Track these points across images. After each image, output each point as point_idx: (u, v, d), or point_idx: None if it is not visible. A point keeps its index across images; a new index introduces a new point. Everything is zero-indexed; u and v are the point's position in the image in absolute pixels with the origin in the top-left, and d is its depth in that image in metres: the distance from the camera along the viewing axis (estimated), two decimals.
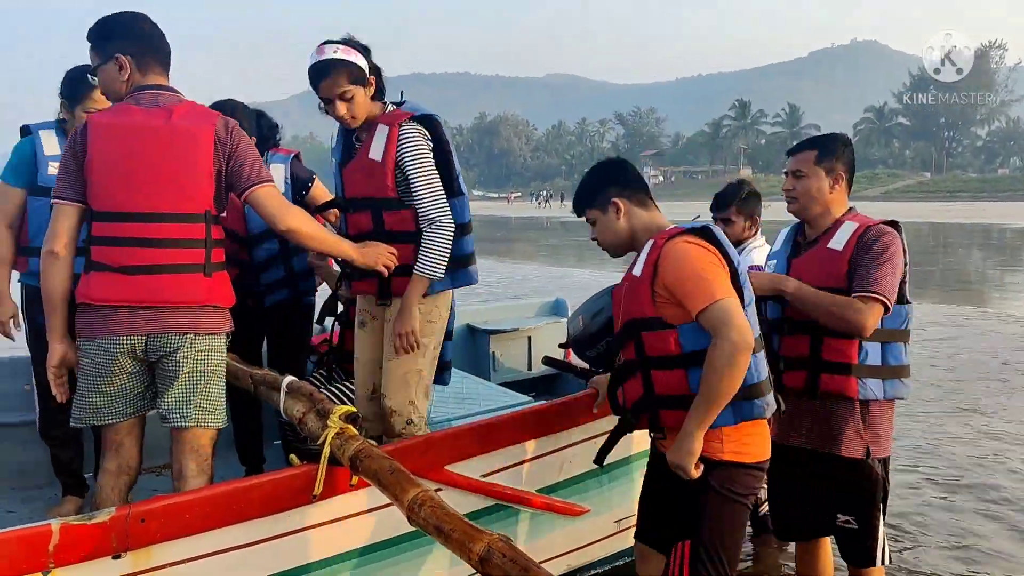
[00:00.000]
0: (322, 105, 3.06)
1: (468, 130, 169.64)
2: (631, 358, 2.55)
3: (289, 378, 2.87)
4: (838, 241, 2.85)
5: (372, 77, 3.01)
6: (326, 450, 2.45)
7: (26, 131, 3.51)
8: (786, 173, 3.04)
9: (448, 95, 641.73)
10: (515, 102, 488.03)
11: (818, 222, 2.97)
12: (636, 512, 2.90)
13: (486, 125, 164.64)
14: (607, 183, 2.68)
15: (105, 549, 2.24)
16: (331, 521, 2.61)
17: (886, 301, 2.70)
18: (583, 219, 2.76)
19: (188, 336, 2.66)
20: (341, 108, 2.98)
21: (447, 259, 3.03)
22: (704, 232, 2.49)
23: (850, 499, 2.89)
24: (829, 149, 2.95)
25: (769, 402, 2.49)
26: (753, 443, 2.49)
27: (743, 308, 2.39)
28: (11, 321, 3.64)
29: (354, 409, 2.55)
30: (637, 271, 2.52)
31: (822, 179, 2.92)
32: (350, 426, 2.50)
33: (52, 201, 2.69)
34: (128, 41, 2.73)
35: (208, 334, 2.70)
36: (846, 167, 2.95)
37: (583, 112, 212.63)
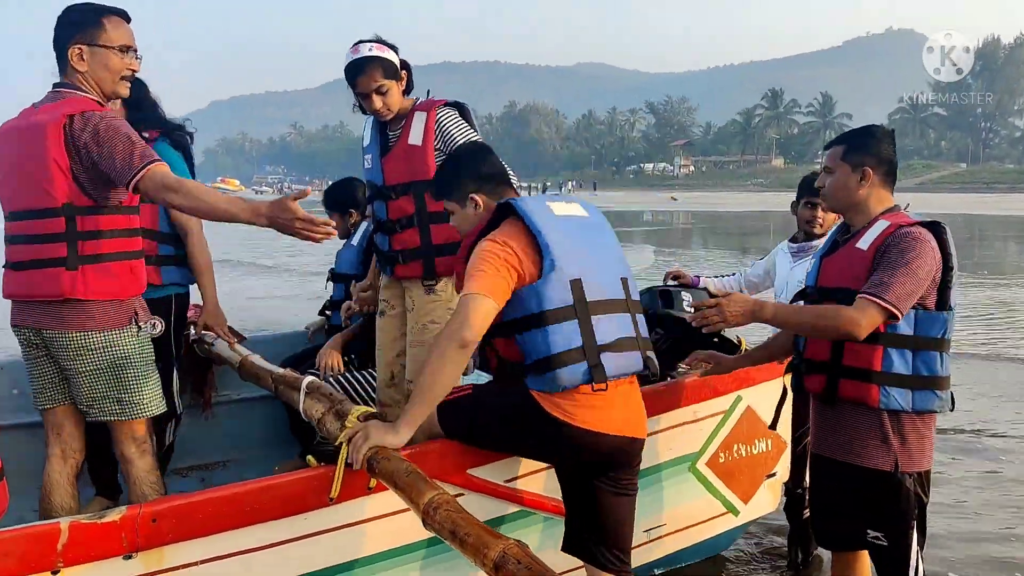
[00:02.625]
0: (356, 102, 3.25)
1: (497, 119, 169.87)
2: None
3: (309, 378, 2.83)
4: (865, 240, 2.70)
5: (404, 72, 3.21)
6: (344, 451, 2.39)
7: None
8: (823, 169, 2.92)
9: (478, 84, 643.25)
10: (545, 91, 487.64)
11: (854, 220, 2.83)
12: (666, 522, 2.80)
13: (515, 114, 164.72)
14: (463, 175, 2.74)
15: (115, 549, 2.21)
16: (348, 525, 2.54)
17: (888, 308, 2.54)
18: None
19: (72, 334, 2.72)
20: (377, 102, 3.16)
21: None
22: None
23: (879, 514, 2.74)
24: (857, 143, 2.80)
25: None
26: None
27: None
28: None
29: (373, 409, 2.49)
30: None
31: (848, 175, 2.77)
32: None
33: None
34: None
35: (97, 330, 2.74)
36: (877, 162, 2.76)
37: (613, 101, 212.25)
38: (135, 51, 2.88)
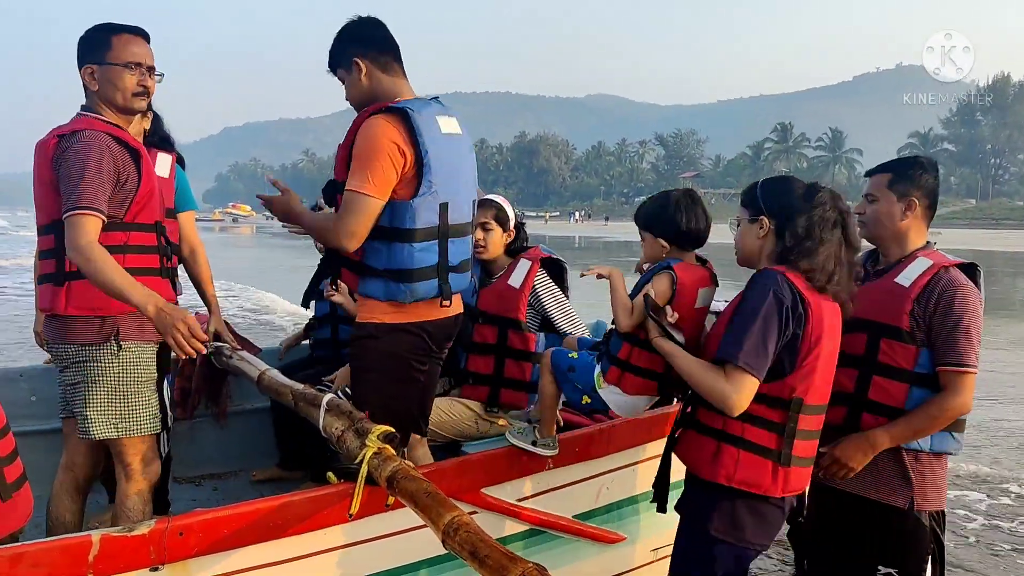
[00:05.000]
0: None
1: (508, 149, 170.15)
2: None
3: (329, 395, 2.88)
4: (907, 277, 2.69)
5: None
6: (364, 469, 2.45)
7: None
8: (864, 196, 2.90)
9: (489, 114, 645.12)
10: (555, 122, 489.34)
11: (890, 251, 2.82)
12: (671, 542, 2.83)
13: (526, 144, 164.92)
14: (350, 42, 2.82)
15: (143, 561, 2.26)
16: (366, 540, 2.61)
17: (976, 370, 2.63)
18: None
19: (61, 346, 2.82)
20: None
21: None
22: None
23: (893, 551, 2.73)
24: (904, 173, 2.79)
25: None
26: None
27: None
28: None
29: (392, 429, 2.55)
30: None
31: (893, 204, 2.76)
32: (388, 446, 2.50)
33: None
34: None
35: (78, 345, 2.80)
36: (923, 193, 2.77)
37: (623, 133, 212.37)
38: (149, 68, 2.88)
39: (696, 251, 2.84)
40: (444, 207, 2.73)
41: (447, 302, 2.81)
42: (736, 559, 2.50)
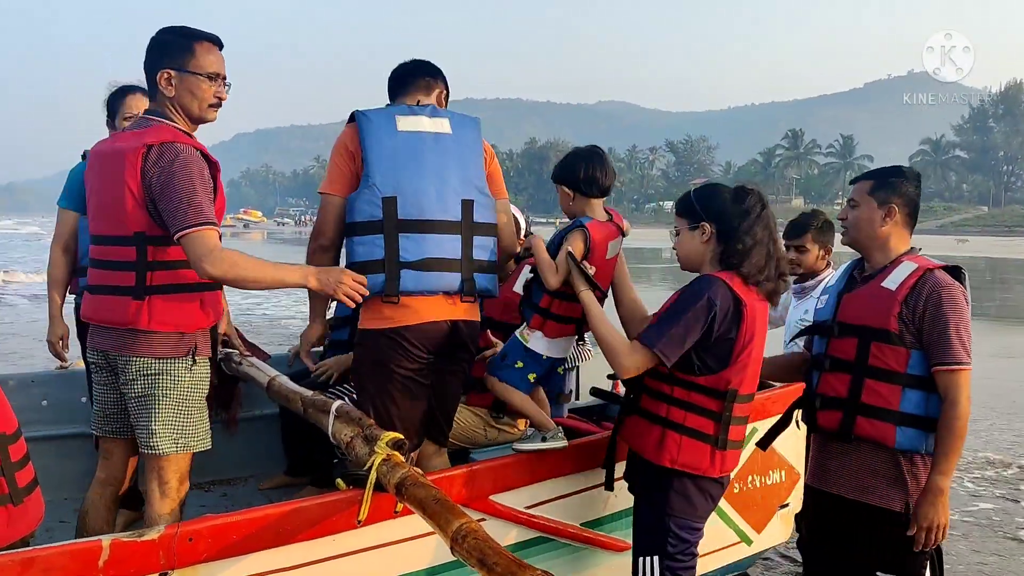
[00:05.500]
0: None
1: (518, 155, 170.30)
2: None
3: (339, 402, 2.89)
4: (893, 280, 2.72)
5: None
6: (372, 476, 2.45)
7: (85, 156, 3.54)
8: (847, 201, 2.96)
9: (499, 120, 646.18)
10: (566, 128, 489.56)
11: (874, 257, 2.85)
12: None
13: (536, 151, 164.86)
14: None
15: (153, 566, 2.27)
16: (375, 547, 2.61)
17: (968, 367, 2.63)
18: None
19: (133, 359, 2.72)
20: None
21: None
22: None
23: (889, 555, 2.72)
24: (885, 181, 2.84)
25: None
26: None
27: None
28: (61, 342, 3.94)
29: (401, 436, 2.56)
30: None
31: (873, 210, 2.81)
32: (397, 453, 2.50)
33: None
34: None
35: (154, 358, 2.72)
36: (903, 201, 2.81)
37: (634, 139, 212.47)
38: (224, 78, 2.83)
39: (603, 202, 3.10)
40: (389, 201, 2.76)
41: (392, 299, 2.78)
42: (691, 532, 2.77)
